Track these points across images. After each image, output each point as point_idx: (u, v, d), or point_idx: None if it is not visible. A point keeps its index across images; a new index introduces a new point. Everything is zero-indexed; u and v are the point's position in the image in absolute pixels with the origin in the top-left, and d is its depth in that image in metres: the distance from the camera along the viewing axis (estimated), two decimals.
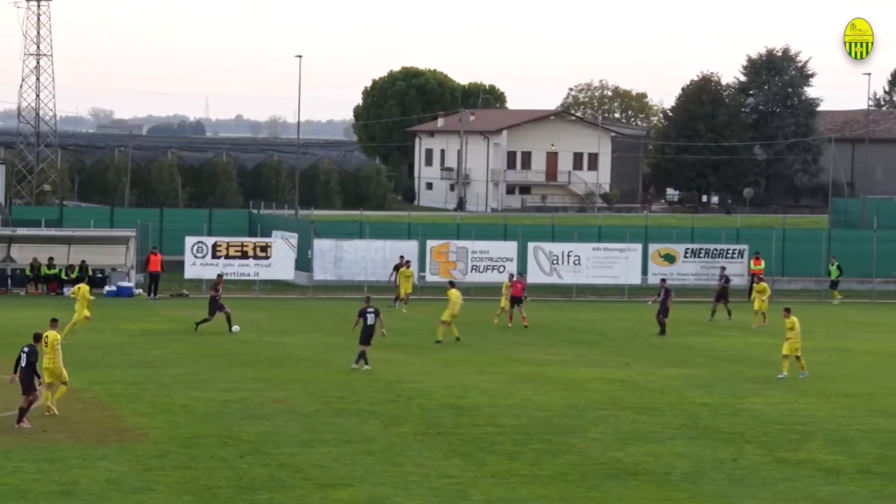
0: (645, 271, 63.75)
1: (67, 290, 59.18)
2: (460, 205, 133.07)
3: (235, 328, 45.72)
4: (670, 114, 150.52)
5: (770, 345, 43.48)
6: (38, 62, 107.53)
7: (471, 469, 25.50)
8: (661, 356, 42.41)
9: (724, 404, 33.21)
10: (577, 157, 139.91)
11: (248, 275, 61.64)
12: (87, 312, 44.58)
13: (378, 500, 23.15)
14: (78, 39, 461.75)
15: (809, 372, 38.30)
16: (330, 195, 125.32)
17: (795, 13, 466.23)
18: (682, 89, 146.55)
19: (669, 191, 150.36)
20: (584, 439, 28.49)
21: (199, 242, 61.84)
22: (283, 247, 62.46)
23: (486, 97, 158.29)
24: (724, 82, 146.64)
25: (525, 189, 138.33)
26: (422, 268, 62.12)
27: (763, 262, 63.53)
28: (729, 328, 50.66)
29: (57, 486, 23.55)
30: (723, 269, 57.78)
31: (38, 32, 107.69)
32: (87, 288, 45.88)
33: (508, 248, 63.36)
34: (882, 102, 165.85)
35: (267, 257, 61.89)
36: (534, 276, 62.75)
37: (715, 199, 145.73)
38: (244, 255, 61.70)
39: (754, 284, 52.01)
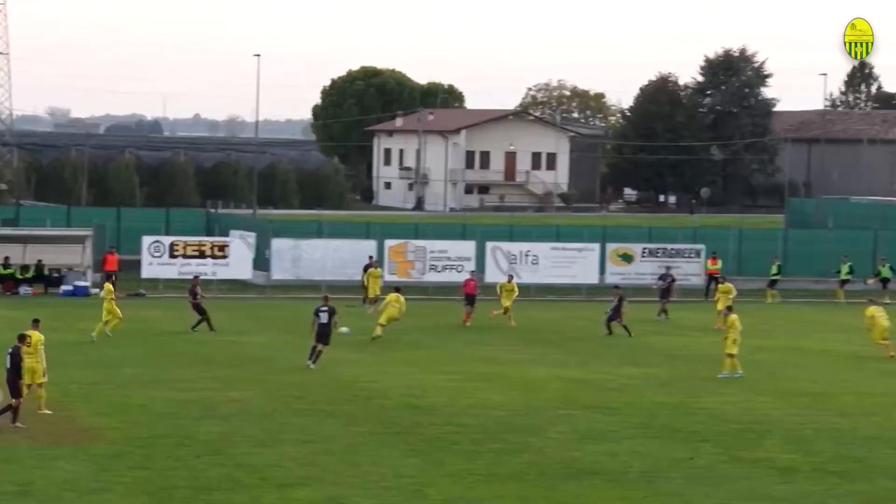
0: (602, 271, 63.91)
1: (24, 290, 58.90)
2: (419, 204, 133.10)
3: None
4: (628, 114, 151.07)
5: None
6: None
7: (429, 468, 25.51)
8: (619, 355, 42.53)
9: (682, 403, 33.33)
10: (536, 157, 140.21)
11: (206, 274, 61.22)
12: (117, 312, 44.13)
13: (335, 499, 23.13)
14: (35, 38, 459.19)
15: (763, 372, 38.50)
16: (288, 195, 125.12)
17: (752, 14, 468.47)
18: (640, 89, 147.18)
19: (627, 190, 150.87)
20: (542, 438, 28.55)
21: (156, 242, 61.58)
22: (240, 246, 62.28)
23: (444, 97, 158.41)
24: (681, 83, 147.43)
25: (484, 189, 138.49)
26: (379, 267, 62.04)
27: (720, 262, 63.81)
28: (687, 328, 50.81)
29: (13, 486, 23.41)
30: (667, 268, 57.70)
31: None
32: (110, 287, 45.32)
33: (467, 248, 63.38)
34: (838, 103, 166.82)
35: (225, 257, 61.68)
36: (492, 276, 62.71)
37: (672, 199, 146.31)
38: (202, 255, 61.47)
39: (719, 284, 51.78)
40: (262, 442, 27.60)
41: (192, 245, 61.92)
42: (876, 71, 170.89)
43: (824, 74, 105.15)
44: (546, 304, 59.69)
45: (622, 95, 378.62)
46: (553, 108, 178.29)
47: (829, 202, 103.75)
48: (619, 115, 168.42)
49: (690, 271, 64.51)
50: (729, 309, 39.69)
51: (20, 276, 59.87)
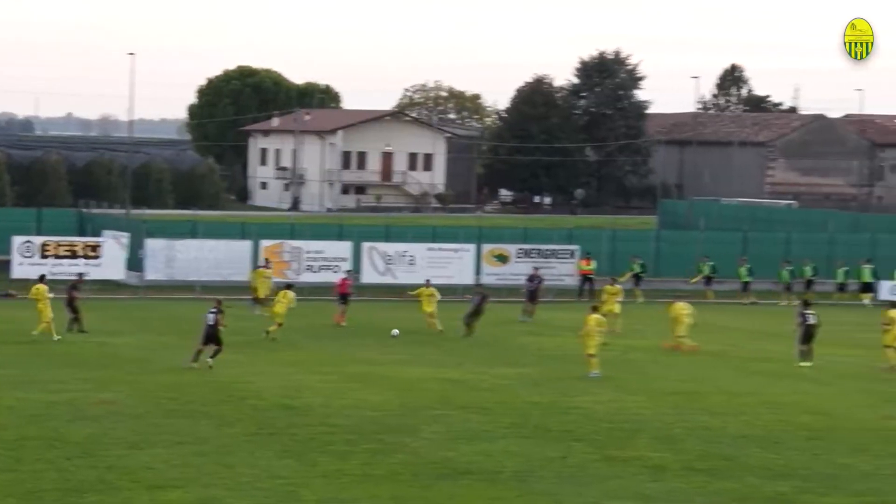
0: (478, 271, 64.23)
1: None
2: (295, 205, 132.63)
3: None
4: (504, 115, 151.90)
5: (602, 344, 44.04)
6: None
7: (303, 469, 25.47)
8: (493, 356, 42.79)
9: (554, 403, 33.63)
10: (412, 158, 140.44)
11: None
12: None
13: (208, 501, 23.00)
14: None
15: (635, 371, 38.97)
16: (162, 194, 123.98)
17: (627, 17, 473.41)
18: (516, 91, 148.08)
19: (503, 191, 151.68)
20: (417, 439, 28.63)
21: (26, 242, 60.72)
22: (113, 246, 61.62)
23: (321, 97, 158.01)
24: (556, 84, 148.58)
25: (360, 189, 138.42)
26: (255, 267, 61.73)
27: (594, 263, 64.45)
28: (560, 328, 51.19)
29: None
30: (535, 269, 58.00)
31: None
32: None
33: (343, 248, 63.33)
34: (709, 105, 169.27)
35: (97, 257, 61.01)
36: (368, 277, 62.87)
37: (547, 200, 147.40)
38: (73, 255, 60.74)
39: (608, 286, 51.75)
40: (134, 444, 27.34)
41: (63, 245, 61.16)
42: (746, 74, 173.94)
43: (696, 77, 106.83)
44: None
45: (498, 97, 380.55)
46: (430, 109, 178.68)
47: (701, 203, 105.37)
48: (494, 116, 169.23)
49: (565, 272, 65.11)
50: (594, 309, 40.11)
51: None
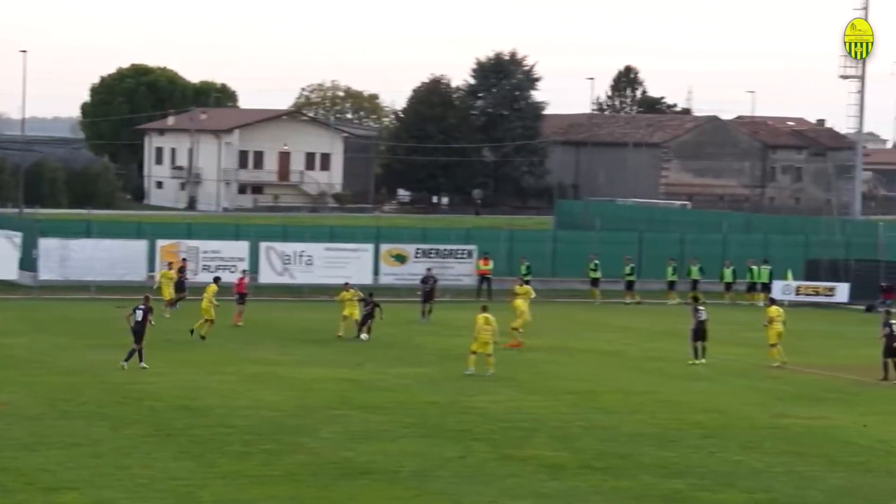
0: (376, 271, 64.22)
1: None
2: (191, 204, 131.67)
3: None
4: (401, 115, 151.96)
5: (494, 343, 44.30)
6: None
7: (201, 470, 25.35)
8: (393, 356, 42.84)
9: (453, 402, 33.76)
10: (310, 157, 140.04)
11: None
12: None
13: (104, 503, 22.81)
14: None
15: (532, 371, 39.20)
16: (56, 193, 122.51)
17: (523, 18, 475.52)
18: (413, 91, 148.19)
19: (401, 191, 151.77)
20: (316, 439, 28.62)
21: None
22: (5, 246, 60.77)
23: (217, 96, 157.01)
24: (453, 85, 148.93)
25: (257, 189, 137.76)
26: (151, 267, 61.31)
27: (491, 263, 64.74)
28: (458, 328, 51.25)
29: None
30: (428, 270, 58.03)
31: None
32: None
33: (240, 248, 62.96)
34: (605, 107, 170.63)
35: None
36: (266, 277, 62.58)
37: (445, 201, 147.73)
38: None
39: (518, 286, 51.65)
40: (28, 446, 27.04)
41: None
42: (641, 76, 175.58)
43: (591, 79, 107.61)
44: (320, 305, 59.68)
45: (396, 97, 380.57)
46: (327, 108, 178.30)
47: (596, 204, 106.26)
48: (392, 116, 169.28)
49: (463, 272, 65.32)
50: (484, 309, 40.24)
51: None
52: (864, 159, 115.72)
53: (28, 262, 61.15)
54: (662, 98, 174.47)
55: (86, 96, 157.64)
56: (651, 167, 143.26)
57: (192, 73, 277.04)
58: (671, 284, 65.08)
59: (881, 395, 37.68)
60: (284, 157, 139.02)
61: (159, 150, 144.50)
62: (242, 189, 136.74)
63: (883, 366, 40.16)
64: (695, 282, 65.52)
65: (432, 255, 65.04)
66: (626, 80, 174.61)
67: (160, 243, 61.94)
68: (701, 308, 43.18)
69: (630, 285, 64.93)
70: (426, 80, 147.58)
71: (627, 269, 65.10)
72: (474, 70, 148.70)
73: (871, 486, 25.86)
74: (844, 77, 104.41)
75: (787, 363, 42.28)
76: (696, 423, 31.80)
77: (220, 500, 23.28)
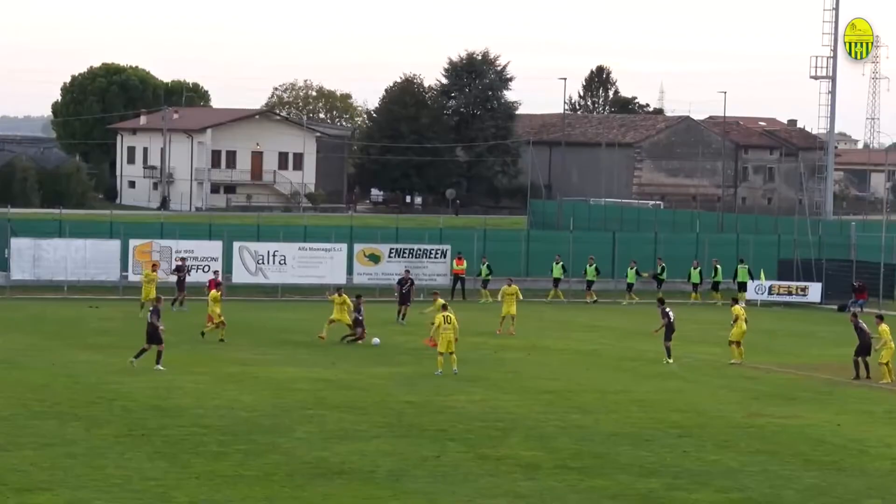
0: (350, 271, 64.15)
1: None
2: (164, 203, 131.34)
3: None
4: (374, 115, 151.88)
5: (472, 343, 44.36)
6: None
7: (175, 471, 25.24)
8: (367, 355, 42.76)
9: (428, 402, 33.71)
10: (283, 157, 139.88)
11: None
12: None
13: (78, 503, 22.71)
14: None
15: (508, 370, 39.14)
16: (27, 193, 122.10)
17: (496, 17, 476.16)
18: (386, 90, 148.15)
19: (374, 191, 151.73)
20: (290, 439, 28.53)
21: None
22: None
23: (189, 95, 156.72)
24: (426, 84, 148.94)
25: (230, 188, 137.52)
26: (124, 267, 61.13)
27: (465, 262, 64.75)
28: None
29: None
30: (406, 271, 57.91)
31: None
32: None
33: (213, 248, 62.80)
34: (577, 107, 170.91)
35: None
36: (239, 276, 62.45)
37: (419, 200, 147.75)
38: None
39: (506, 286, 51.46)
40: (1, 446, 26.87)
41: None
42: (613, 76, 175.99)
43: (563, 79, 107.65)
44: (293, 305, 59.60)
45: (368, 96, 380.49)
46: (299, 108, 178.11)
47: (570, 204, 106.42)
48: (365, 115, 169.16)
49: (437, 271, 65.30)
50: (444, 308, 40.16)
51: None
52: (835, 160, 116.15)
53: (0, 261, 60.86)
54: (634, 98, 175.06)
55: (57, 95, 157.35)
56: (624, 167, 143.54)
57: (164, 73, 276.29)
58: (629, 287, 65.06)
59: (854, 394, 37.81)
60: (257, 157, 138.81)
61: (131, 150, 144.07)
62: (215, 189, 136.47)
63: (854, 364, 40.38)
64: (659, 281, 65.66)
65: (406, 255, 65.00)
66: (599, 80, 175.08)
67: (133, 243, 61.75)
68: (667, 309, 43.31)
69: (590, 285, 65.12)
70: (399, 80, 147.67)
71: (590, 269, 65.26)
72: (447, 70, 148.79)
73: (845, 485, 25.92)
74: (815, 77, 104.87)
75: (744, 363, 42.47)
76: (672, 423, 31.83)
77: (195, 501, 23.18)
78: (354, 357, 42.23)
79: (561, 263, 65.30)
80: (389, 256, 65.08)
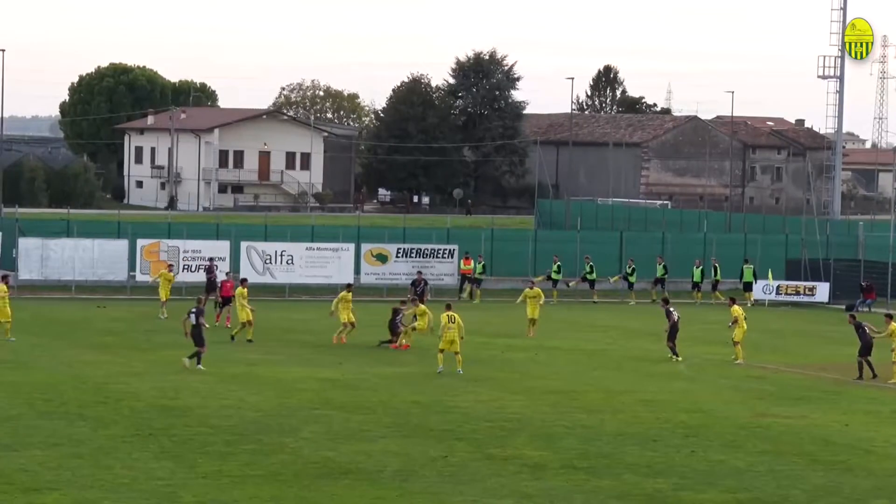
0: (358, 271, 64.15)
1: None
2: (171, 203, 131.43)
3: None
4: (381, 115, 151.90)
5: (478, 343, 44.36)
6: None
7: (182, 470, 25.26)
8: (374, 355, 42.78)
9: (435, 402, 33.70)
10: (290, 157, 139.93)
11: None
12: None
13: (86, 503, 22.73)
14: None
15: (515, 371, 39.13)
16: (35, 193, 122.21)
17: (504, 17, 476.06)
18: (393, 90, 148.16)
19: (381, 191, 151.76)
20: (297, 439, 28.54)
21: None
22: None
23: (197, 95, 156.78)
24: (434, 84, 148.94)
25: (238, 188, 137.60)
26: (132, 267, 61.20)
27: (473, 262, 64.73)
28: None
29: None
30: (419, 273, 57.86)
31: None
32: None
33: (221, 248, 62.82)
34: (585, 106, 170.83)
35: None
36: (247, 276, 62.31)
37: (426, 200, 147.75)
38: None
39: (527, 290, 51.21)
40: (8, 446, 26.90)
41: None
42: (620, 76, 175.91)
43: (571, 78, 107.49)
44: (301, 305, 59.61)
45: (376, 96, 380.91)
46: (307, 108, 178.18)
47: (577, 204, 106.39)
48: (372, 115, 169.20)
49: (444, 271, 65.31)
50: (448, 307, 40.24)
51: None
52: (843, 159, 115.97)
53: (8, 261, 60.94)
54: (642, 98, 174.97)
55: (65, 95, 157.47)
56: (631, 167, 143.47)
57: (172, 73, 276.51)
58: (630, 286, 65.00)
59: (862, 394, 37.77)
60: (265, 157, 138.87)
61: (139, 150, 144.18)
62: (223, 188, 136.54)
63: (858, 365, 40.34)
64: (659, 281, 65.59)
65: (414, 255, 65.01)
66: (606, 80, 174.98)
67: (141, 243, 61.81)
68: (671, 309, 43.33)
69: (592, 284, 65.09)
70: (406, 80, 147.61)
71: (587, 268, 65.26)
72: (454, 70, 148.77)
73: (852, 486, 25.90)
74: (823, 77, 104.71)
75: (744, 363, 42.51)
76: (679, 423, 31.81)
77: (202, 501, 23.19)
78: (361, 357, 42.24)
79: (558, 264, 65.19)
80: (397, 256, 65.09)
